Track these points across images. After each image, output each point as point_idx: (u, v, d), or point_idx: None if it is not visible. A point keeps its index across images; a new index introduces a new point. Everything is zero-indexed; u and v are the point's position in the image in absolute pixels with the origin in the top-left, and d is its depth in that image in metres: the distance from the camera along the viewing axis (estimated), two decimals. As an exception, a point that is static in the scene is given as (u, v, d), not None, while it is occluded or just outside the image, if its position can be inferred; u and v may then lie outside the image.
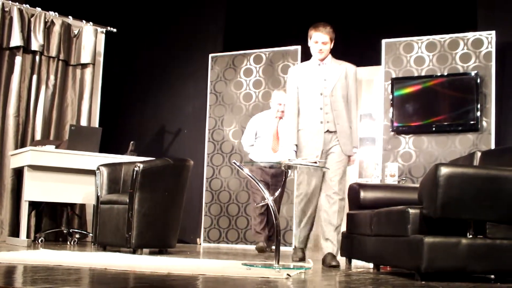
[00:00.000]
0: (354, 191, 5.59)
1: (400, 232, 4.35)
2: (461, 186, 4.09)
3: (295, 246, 5.85)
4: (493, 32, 7.82)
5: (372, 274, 4.71)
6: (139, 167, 6.32)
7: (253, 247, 8.25)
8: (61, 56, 8.60)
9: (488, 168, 4.36)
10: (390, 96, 8.20)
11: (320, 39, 5.52)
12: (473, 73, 7.83)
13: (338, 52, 5.78)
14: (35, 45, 8.33)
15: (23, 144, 8.11)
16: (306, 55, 8.71)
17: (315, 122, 5.53)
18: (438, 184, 4.07)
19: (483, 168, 4.39)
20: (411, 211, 4.27)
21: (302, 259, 5.72)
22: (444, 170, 4.09)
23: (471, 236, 4.14)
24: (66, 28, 8.70)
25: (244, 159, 8.86)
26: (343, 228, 5.59)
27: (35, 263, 4.48)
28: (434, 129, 7.97)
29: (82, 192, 7.47)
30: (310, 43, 5.63)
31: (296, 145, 5.58)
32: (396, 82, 8.20)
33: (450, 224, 4.19)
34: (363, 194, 5.51)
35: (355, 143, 5.64)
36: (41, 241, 7.46)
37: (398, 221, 4.37)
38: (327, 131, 5.52)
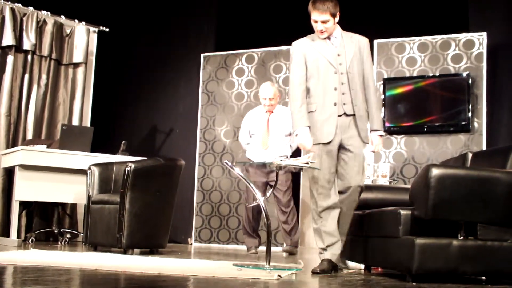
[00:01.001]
0: (345, 192, 5.58)
1: (391, 233, 4.36)
2: (453, 187, 4.09)
3: (321, 252, 4.87)
4: (484, 34, 7.85)
5: (363, 275, 4.71)
6: (130, 167, 6.31)
7: (244, 247, 8.28)
8: (53, 56, 8.58)
9: (479, 169, 4.37)
10: (382, 96, 8.21)
11: (319, 18, 4.78)
12: (464, 74, 7.85)
13: None
14: (27, 44, 8.31)
15: (14, 144, 8.08)
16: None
17: (328, 104, 4.81)
18: (430, 185, 4.07)
19: (474, 170, 4.40)
20: (402, 212, 4.27)
21: (327, 270, 4.70)
22: (435, 171, 4.10)
23: (462, 237, 4.15)
24: (59, 27, 8.68)
25: (235, 158, 8.85)
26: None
27: (25, 264, 4.47)
28: (425, 129, 7.98)
29: (73, 191, 7.46)
30: (311, 21, 4.89)
31: (309, 126, 4.84)
32: (388, 82, 8.21)
33: (441, 225, 4.20)
34: (354, 195, 5.50)
35: (377, 125, 4.95)
36: (32, 241, 7.45)
37: (390, 222, 4.38)
38: (344, 114, 4.82)
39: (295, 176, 8.52)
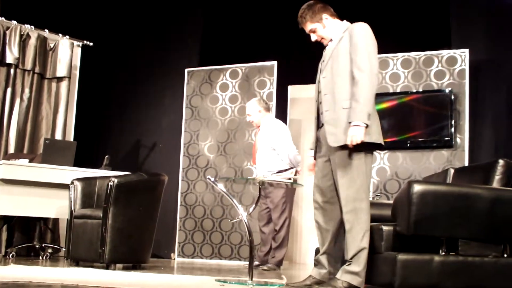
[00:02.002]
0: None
1: (373, 249, 4.36)
2: (434, 203, 4.12)
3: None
4: (467, 50, 7.91)
5: (345, 290, 4.69)
6: (113, 181, 6.28)
7: (227, 262, 8.29)
8: (37, 69, 8.55)
9: (461, 185, 4.40)
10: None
11: (306, 30, 4.66)
12: (447, 90, 7.89)
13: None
14: (10, 58, 8.27)
15: (-4, 158, 8.04)
16: (282, 71, 8.80)
17: (314, 119, 4.64)
18: (411, 202, 4.09)
19: (455, 186, 4.43)
20: (384, 228, 4.29)
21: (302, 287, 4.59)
22: (417, 188, 4.12)
23: (443, 253, 4.17)
24: (42, 41, 8.66)
25: (219, 173, 8.85)
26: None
27: (5, 280, 4.43)
28: (409, 145, 8.01)
29: (55, 206, 7.41)
30: None
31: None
32: (372, 98, 8.22)
33: (423, 241, 4.21)
34: (337, 210, 5.49)
35: (352, 116, 4.26)
36: (12, 256, 7.37)
37: (372, 238, 4.38)
38: (322, 125, 4.55)
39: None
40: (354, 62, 4.36)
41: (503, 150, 7.63)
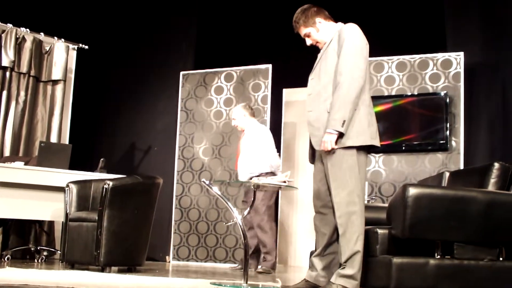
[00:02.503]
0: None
1: (369, 252, 4.37)
2: (429, 206, 4.12)
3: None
4: (462, 53, 7.91)
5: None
6: (108, 184, 6.28)
7: (222, 265, 8.30)
8: (32, 72, 8.54)
9: (456, 188, 4.41)
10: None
11: (301, 34, 4.63)
12: (442, 93, 7.90)
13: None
14: (5, 61, 8.27)
15: (-9, 161, 8.02)
16: (277, 74, 8.80)
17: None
18: (406, 205, 4.09)
19: (451, 189, 4.43)
20: (379, 231, 4.29)
21: None
22: (412, 191, 4.12)
23: (439, 256, 4.18)
24: (38, 44, 8.65)
25: (214, 176, 8.84)
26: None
27: (0, 283, 4.42)
28: (404, 148, 8.01)
29: (51, 209, 7.39)
30: None
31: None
32: (367, 101, 8.22)
33: (418, 244, 4.22)
34: (332, 213, 5.50)
35: (329, 124, 4.26)
36: (8, 259, 7.36)
37: (367, 241, 4.39)
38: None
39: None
40: (340, 65, 4.32)
41: (498, 153, 7.63)
